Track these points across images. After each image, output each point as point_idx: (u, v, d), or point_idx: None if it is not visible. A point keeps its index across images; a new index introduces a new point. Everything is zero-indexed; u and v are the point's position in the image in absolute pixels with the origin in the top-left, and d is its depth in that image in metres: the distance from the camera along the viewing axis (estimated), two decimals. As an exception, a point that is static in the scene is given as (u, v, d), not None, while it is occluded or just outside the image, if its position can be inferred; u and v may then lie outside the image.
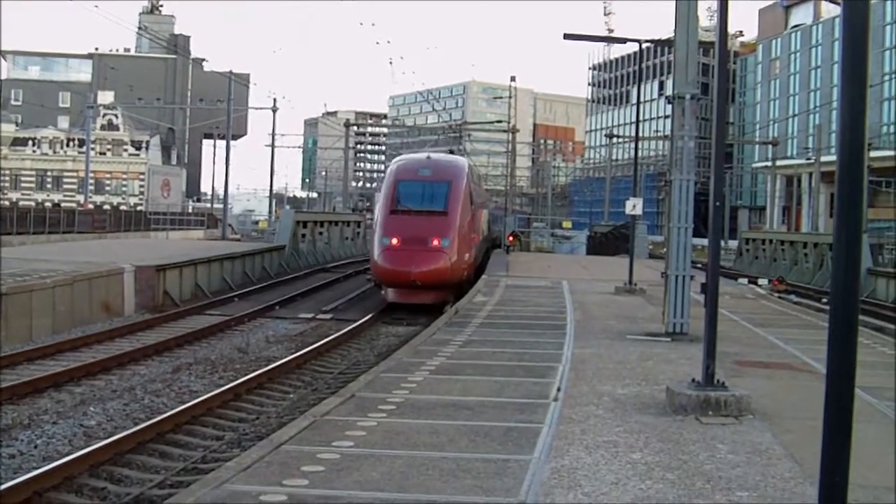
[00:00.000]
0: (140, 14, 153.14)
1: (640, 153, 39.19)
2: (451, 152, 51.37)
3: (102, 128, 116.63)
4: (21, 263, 27.49)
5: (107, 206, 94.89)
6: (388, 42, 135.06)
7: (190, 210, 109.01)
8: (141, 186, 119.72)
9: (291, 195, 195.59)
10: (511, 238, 60.55)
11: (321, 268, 48.50)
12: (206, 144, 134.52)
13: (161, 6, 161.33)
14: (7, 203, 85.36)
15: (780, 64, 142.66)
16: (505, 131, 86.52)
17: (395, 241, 30.70)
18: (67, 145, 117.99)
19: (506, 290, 31.35)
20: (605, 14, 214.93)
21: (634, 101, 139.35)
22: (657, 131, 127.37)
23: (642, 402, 12.56)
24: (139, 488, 11.40)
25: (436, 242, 30.89)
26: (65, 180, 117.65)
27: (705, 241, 13.89)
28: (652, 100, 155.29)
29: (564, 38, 32.55)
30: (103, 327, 24.95)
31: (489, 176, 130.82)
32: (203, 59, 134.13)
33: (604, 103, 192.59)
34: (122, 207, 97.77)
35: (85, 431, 13.89)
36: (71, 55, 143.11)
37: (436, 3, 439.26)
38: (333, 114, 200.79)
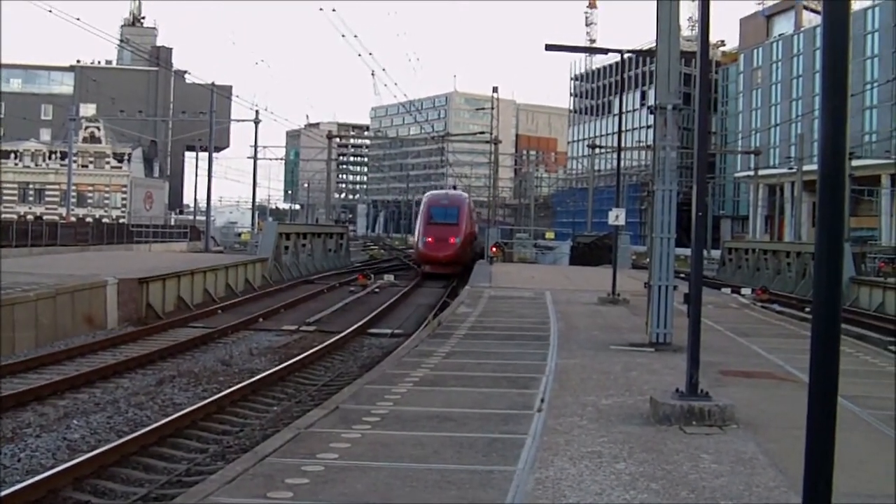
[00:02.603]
0: (122, 26, 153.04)
1: (622, 163, 39.32)
2: (454, 188, 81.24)
3: (85, 140, 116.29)
4: (4, 276, 27.37)
5: (89, 219, 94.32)
6: (371, 54, 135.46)
7: (172, 222, 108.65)
8: (123, 199, 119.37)
9: (274, 207, 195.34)
10: (494, 249, 60.71)
11: (304, 280, 48.49)
12: (189, 157, 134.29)
13: (143, 19, 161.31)
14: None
15: (761, 73, 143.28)
16: (487, 142, 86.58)
17: (430, 239, 55.28)
18: (49, 158, 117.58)
19: (489, 301, 31.39)
20: (586, 24, 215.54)
21: (616, 111, 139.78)
22: (639, 141, 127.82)
23: (626, 412, 12.58)
24: (123, 501, 11.38)
25: (452, 240, 55.17)
26: (47, 193, 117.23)
27: (688, 251, 13.91)
28: (634, 110, 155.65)
29: (546, 49, 32.59)
30: (86, 340, 24.86)
31: (472, 187, 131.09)
32: (185, 72, 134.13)
33: (586, 114, 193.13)
34: (105, 220, 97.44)
35: (68, 445, 13.85)
36: (53, 67, 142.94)
37: (418, 15, 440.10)
38: (316, 125, 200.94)
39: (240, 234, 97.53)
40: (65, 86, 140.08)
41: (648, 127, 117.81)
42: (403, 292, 41.93)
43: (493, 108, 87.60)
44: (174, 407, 16.72)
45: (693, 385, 12.03)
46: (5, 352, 21.92)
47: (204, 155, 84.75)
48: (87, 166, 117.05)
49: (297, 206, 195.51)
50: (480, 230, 69.75)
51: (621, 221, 31.02)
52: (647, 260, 24.79)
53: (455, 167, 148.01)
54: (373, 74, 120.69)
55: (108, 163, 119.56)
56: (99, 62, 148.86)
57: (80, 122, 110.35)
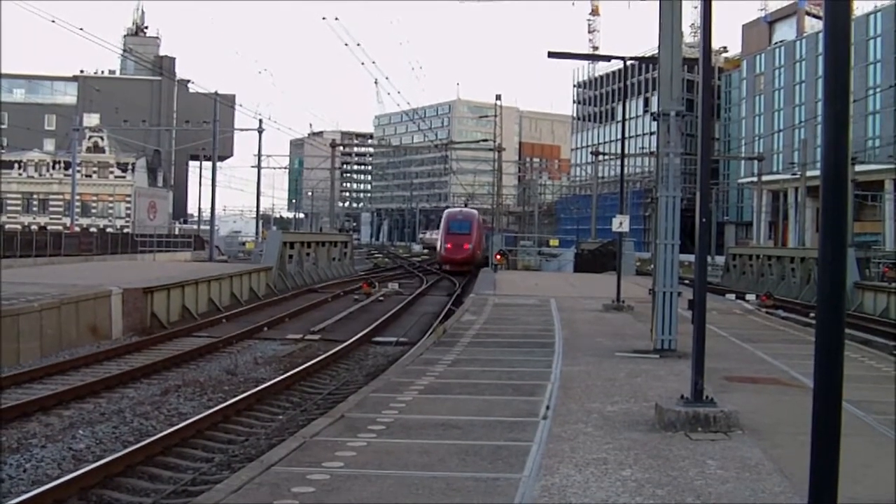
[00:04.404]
0: (125, 36, 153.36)
1: (625, 170, 39.33)
2: (466, 204, 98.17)
3: (88, 150, 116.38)
4: (8, 287, 27.36)
5: (93, 229, 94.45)
6: (374, 62, 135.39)
7: (177, 232, 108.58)
8: (127, 209, 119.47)
9: (278, 216, 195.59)
10: (498, 256, 60.86)
11: (309, 288, 48.49)
12: (192, 166, 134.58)
13: (146, 28, 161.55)
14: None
15: (764, 79, 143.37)
16: (491, 150, 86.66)
17: (449, 245, 71.14)
18: (53, 168, 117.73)
19: (494, 308, 31.41)
20: (589, 32, 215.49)
21: (620, 118, 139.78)
22: (643, 148, 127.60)
23: (631, 418, 12.57)
24: (129, 511, 11.37)
25: (466, 246, 70.60)
26: (51, 203, 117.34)
27: (692, 258, 13.89)
28: (637, 117, 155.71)
29: (549, 56, 32.67)
30: (91, 350, 24.84)
31: (476, 195, 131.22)
32: (188, 81, 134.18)
33: (589, 121, 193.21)
34: (109, 230, 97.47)
35: (74, 455, 13.83)
36: (56, 78, 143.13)
37: (420, 23, 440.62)
38: (319, 134, 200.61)
39: (244, 244, 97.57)
40: (68, 96, 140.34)
41: (652, 133, 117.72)
42: (408, 300, 41.90)
43: (496, 116, 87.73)
44: (179, 416, 16.70)
45: (698, 391, 12.03)
46: (10, 362, 21.93)
47: (207, 164, 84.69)
48: (90, 176, 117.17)
49: (301, 215, 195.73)
50: (486, 237, 78.35)
51: (625, 228, 31.04)
52: (652, 266, 24.79)
53: (458, 175, 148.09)
54: (376, 83, 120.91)
55: (111, 172, 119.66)
56: (102, 72, 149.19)
57: (84, 131, 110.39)
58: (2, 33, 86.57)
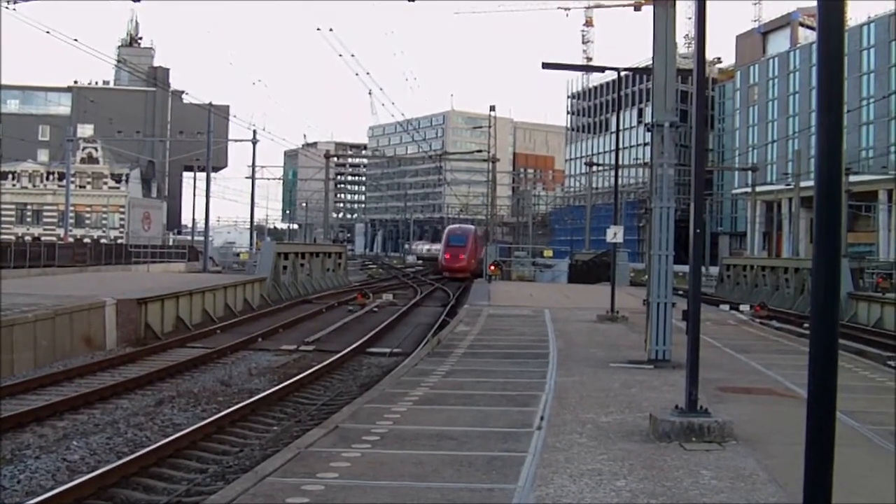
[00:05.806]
0: (119, 47, 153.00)
1: (619, 181, 39.37)
2: (468, 221, 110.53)
3: (82, 161, 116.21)
4: (2, 298, 27.34)
5: (87, 240, 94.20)
6: (368, 73, 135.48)
7: (171, 243, 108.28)
8: (121, 219, 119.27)
9: (272, 227, 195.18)
10: (493, 267, 60.85)
11: (303, 299, 48.48)
12: (187, 177, 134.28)
13: (140, 39, 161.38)
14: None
15: (758, 90, 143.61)
16: (485, 161, 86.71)
17: (448, 255, 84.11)
18: (47, 179, 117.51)
19: (488, 319, 31.41)
20: (583, 42, 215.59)
21: (613, 128, 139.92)
22: (637, 159, 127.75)
23: (626, 429, 12.57)
24: (123, 523, 11.34)
25: (462, 256, 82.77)
26: (45, 214, 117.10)
27: (686, 268, 13.90)
28: (631, 127, 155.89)
29: (543, 67, 32.55)
30: (85, 361, 24.80)
31: (470, 206, 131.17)
32: (183, 92, 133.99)
33: (583, 131, 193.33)
34: (103, 241, 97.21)
35: (68, 466, 13.81)
36: (50, 88, 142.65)
37: (415, 34, 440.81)
38: (313, 145, 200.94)
39: (238, 254, 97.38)
40: (62, 106, 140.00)
41: (646, 144, 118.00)
42: (402, 311, 41.90)
43: (490, 127, 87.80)
44: (174, 427, 16.67)
45: (692, 402, 12.04)
46: (4, 373, 21.87)
47: (202, 175, 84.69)
48: (84, 187, 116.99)
49: (296, 226, 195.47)
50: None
51: (619, 239, 31.04)
52: (646, 277, 24.80)
53: (453, 186, 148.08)
54: (370, 94, 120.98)
55: (105, 183, 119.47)
56: (96, 83, 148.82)
57: (78, 142, 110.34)
58: (0, 44, 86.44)
